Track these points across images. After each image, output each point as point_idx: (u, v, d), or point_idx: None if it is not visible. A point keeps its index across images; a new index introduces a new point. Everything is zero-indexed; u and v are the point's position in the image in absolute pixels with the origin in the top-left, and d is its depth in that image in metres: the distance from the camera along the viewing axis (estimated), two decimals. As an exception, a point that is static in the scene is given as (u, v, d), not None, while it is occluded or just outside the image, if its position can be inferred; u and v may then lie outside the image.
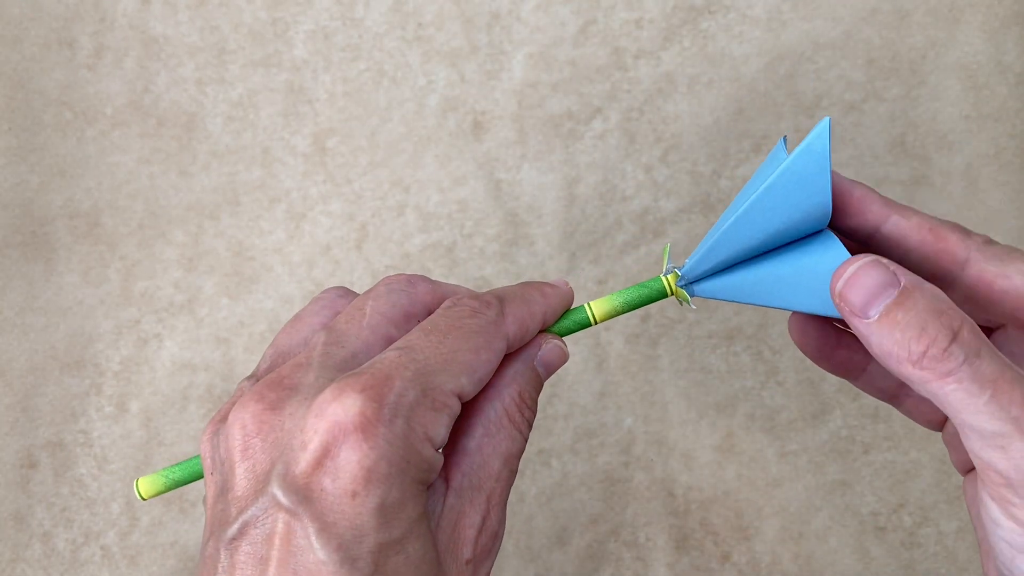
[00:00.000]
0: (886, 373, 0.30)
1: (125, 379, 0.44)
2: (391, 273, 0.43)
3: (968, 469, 0.29)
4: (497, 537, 0.25)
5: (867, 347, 0.24)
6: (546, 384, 0.43)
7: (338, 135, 0.44)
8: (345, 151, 0.44)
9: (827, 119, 0.25)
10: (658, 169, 0.43)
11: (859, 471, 0.42)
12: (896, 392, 0.30)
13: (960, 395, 0.22)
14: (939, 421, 0.30)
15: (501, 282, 0.43)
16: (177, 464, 0.28)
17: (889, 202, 0.26)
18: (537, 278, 0.43)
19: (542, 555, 0.43)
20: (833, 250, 0.25)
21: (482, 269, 0.43)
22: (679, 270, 0.27)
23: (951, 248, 0.26)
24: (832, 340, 0.30)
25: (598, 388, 0.43)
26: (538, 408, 0.43)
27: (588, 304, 0.28)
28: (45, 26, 0.44)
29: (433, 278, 0.43)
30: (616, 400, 0.43)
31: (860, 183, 0.27)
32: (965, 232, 0.26)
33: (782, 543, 0.43)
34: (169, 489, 0.28)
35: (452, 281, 0.43)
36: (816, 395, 0.43)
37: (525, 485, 0.43)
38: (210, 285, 0.44)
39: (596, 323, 0.28)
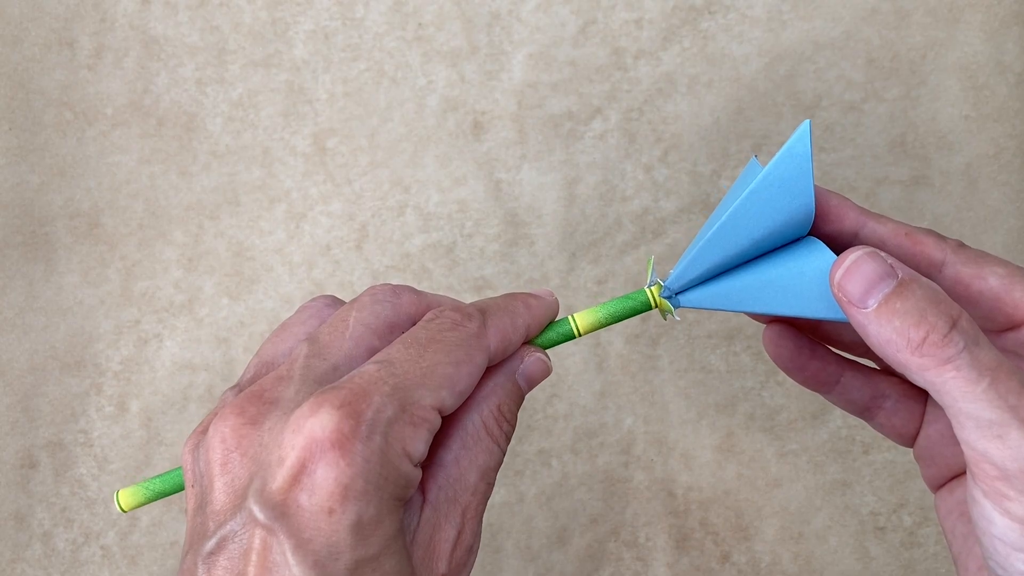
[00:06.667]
0: (859, 386, 0.30)
1: (125, 379, 0.44)
2: (391, 273, 0.44)
3: (940, 485, 0.29)
4: (472, 551, 0.25)
5: (865, 338, 0.24)
6: (546, 384, 0.43)
7: (338, 135, 0.44)
8: (345, 151, 0.44)
9: (807, 122, 0.25)
10: (658, 169, 0.43)
11: (859, 471, 0.42)
12: (868, 405, 0.30)
13: (959, 382, 0.22)
14: (910, 436, 0.30)
15: (501, 282, 0.43)
16: (158, 476, 0.28)
17: (864, 210, 0.27)
18: (537, 278, 0.43)
19: (542, 555, 0.43)
20: (818, 252, 0.26)
21: (482, 269, 0.43)
22: (663, 282, 0.27)
23: (927, 252, 0.26)
24: (806, 352, 0.30)
25: (598, 388, 0.43)
26: (538, 408, 0.43)
27: (572, 316, 0.28)
28: (45, 26, 0.44)
29: (433, 278, 0.43)
30: (616, 400, 0.43)
31: (835, 192, 0.27)
32: (939, 236, 0.26)
33: (782, 543, 0.43)
34: (150, 501, 0.28)
35: (452, 281, 0.43)
36: (816, 395, 0.43)
37: (525, 485, 0.43)
38: (210, 285, 0.44)
39: (580, 335, 0.28)
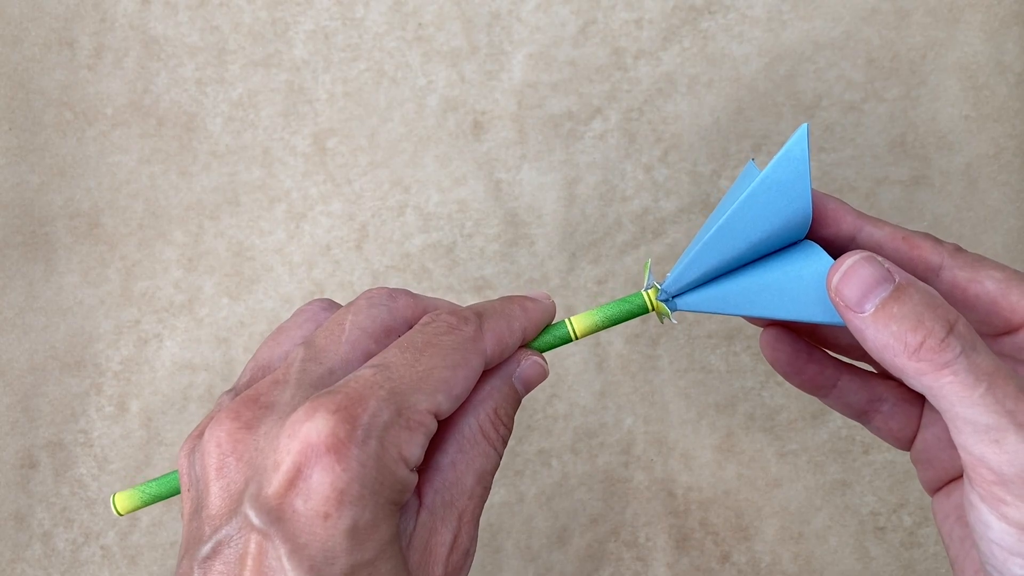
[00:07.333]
0: (855, 389, 0.30)
1: (125, 379, 0.44)
2: (391, 273, 0.44)
3: (937, 488, 0.29)
4: (469, 555, 0.25)
5: (862, 342, 0.24)
6: (546, 384, 0.43)
7: (338, 135, 0.44)
8: (345, 151, 0.44)
9: (805, 125, 0.25)
10: (658, 169, 0.43)
11: (859, 471, 0.42)
12: (865, 409, 0.30)
13: (956, 387, 0.22)
14: (907, 439, 0.30)
15: (501, 282, 0.43)
16: (154, 479, 0.28)
17: (861, 214, 0.27)
18: (537, 278, 0.43)
19: (542, 555, 0.43)
20: (815, 256, 0.26)
21: (482, 269, 0.43)
22: (660, 285, 0.27)
23: (925, 256, 0.26)
24: (803, 356, 0.30)
25: (598, 388, 0.43)
26: (538, 408, 0.43)
27: (569, 319, 0.28)
28: (45, 26, 0.44)
29: (433, 278, 0.43)
30: (616, 400, 0.43)
31: (833, 196, 0.27)
32: (936, 240, 0.26)
33: (782, 543, 0.43)
34: (146, 504, 0.28)
35: (452, 281, 0.43)
36: (816, 395, 0.43)
37: (525, 485, 0.43)
38: (210, 285, 0.44)
39: (577, 338, 0.28)
